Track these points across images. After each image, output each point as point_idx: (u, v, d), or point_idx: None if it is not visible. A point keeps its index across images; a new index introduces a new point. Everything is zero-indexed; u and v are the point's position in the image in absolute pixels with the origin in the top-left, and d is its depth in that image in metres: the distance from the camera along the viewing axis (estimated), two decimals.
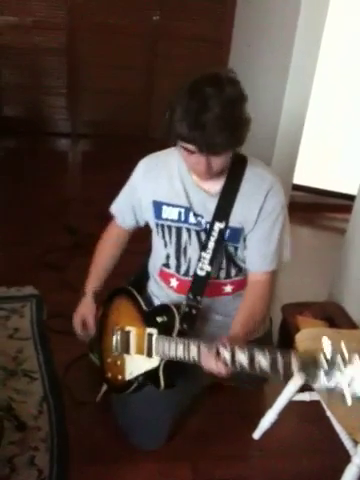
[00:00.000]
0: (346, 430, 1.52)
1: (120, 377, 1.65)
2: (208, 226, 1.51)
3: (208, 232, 1.50)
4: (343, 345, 1.05)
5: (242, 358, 1.24)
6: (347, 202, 2.97)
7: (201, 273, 1.53)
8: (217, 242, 1.49)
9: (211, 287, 1.58)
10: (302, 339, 1.56)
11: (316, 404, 1.61)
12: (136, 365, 1.60)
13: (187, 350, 1.40)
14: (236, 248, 1.55)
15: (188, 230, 1.55)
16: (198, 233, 1.54)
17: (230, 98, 1.28)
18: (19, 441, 1.65)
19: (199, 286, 1.55)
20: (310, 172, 3.55)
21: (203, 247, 1.52)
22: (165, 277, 1.67)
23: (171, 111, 1.31)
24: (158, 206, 1.55)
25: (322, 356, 1.05)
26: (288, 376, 1.18)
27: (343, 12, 3.08)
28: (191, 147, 1.31)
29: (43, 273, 2.50)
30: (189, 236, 1.56)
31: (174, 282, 1.64)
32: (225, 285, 1.63)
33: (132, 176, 1.64)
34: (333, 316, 2.19)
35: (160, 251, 1.65)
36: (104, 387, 1.78)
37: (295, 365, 1.14)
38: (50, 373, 1.92)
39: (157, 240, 1.65)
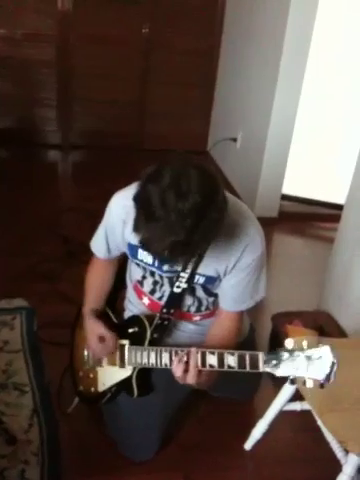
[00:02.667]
0: (337, 439, 1.53)
1: (93, 389, 1.68)
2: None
3: None
4: (305, 342, 1.21)
5: (212, 359, 1.32)
6: (336, 212, 3.00)
7: (177, 290, 1.52)
8: (196, 263, 1.45)
9: (181, 314, 1.62)
10: None
11: (307, 414, 1.61)
12: (109, 376, 1.63)
13: (159, 357, 1.44)
14: (212, 287, 1.55)
15: (161, 276, 1.54)
16: (170, 279, 1.52)
17: (196, 222, 1.12)
18: (10, 455, 1.64)
19: (174, 302, 1.56)
20: (299, 182, 3.58)
21: (183, 268, 1.47)
22: (138, 293, 1.68)
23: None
24: (134, 249, 1.51)
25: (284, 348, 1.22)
26: (254, 369, 1.28)
27: (330, 25, 3.13)
28: None
29: (36, 283, 2.49)
30: (161, 280, 1.55)
31: (146, 300, 1.65)
32: (194, 316, 1.65)
33: (108, 217, 1.55)
34: (323, 325, 2.21)
35: (136, 270, 1.62)
36: (76, 399, 1.79)
37: (261, 359, 1.25)
38: (41, 386, 1.92)
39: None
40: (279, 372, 1.22)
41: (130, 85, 4.22)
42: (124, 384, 1.59)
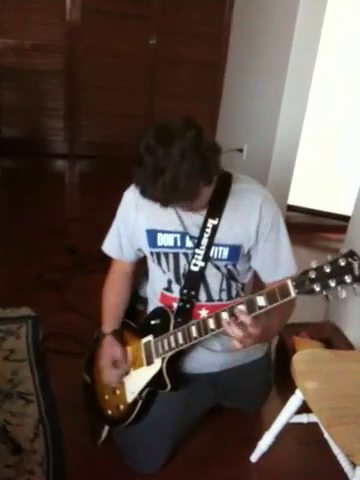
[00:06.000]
0: (345, 452, 1.51)
1: (122, 406, 1.64)
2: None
3: (201, 229, 1.49)
4: (329, 256, 1.20)
5: (241, 308, 1.32)
6: (342, 223, 3.00)
7: (194, 268, 1.53)
8: (210, 238, 1.49)
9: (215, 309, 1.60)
10: (299, 360, 1.56)
11: (314, 426, 1.60)
12: (137, 381, 1.60)
13: (188, 334, 1.45)
14: (235, 265, 1.56)
15: (186, 255, 1.54)
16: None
17: (182, 153, 1.23)
18: (15, 464, 1.63)
19: (193, 281, 1.56)
20: (305, 193, 3.58)
21: (197, 244, 1.50)
22: (168, 301, 1.65)
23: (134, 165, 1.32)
24: (152, 234, 1.54)
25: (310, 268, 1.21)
26: (287, 296, 1.25)
27: (337, 35, 3.15)
28: None
29: (42, 293, 2.50)
30: (187, 261, 1.55)
31: (176, 305, 1.63)
32: None
33: (120, 209, 1.62)
34: (330, 337, 2.20)
35: (160, 277, 1.63)
36: (105, 430, 1.74)
37: (291, 285, 1.23)
38: (46, 395, 1.91)
39: (154, 267, 1.63)
40: (313, 289, 1.19)
41: (137, 97, 4.26)
42: (155, 380, 1.55)
